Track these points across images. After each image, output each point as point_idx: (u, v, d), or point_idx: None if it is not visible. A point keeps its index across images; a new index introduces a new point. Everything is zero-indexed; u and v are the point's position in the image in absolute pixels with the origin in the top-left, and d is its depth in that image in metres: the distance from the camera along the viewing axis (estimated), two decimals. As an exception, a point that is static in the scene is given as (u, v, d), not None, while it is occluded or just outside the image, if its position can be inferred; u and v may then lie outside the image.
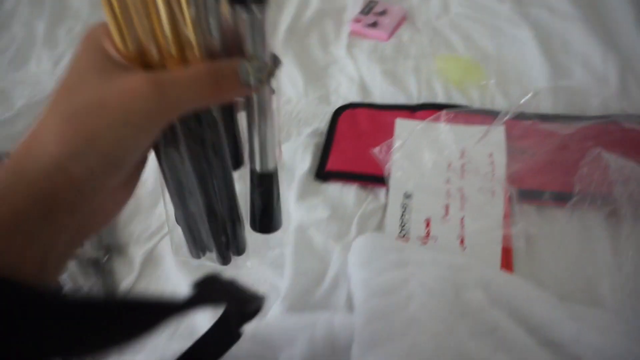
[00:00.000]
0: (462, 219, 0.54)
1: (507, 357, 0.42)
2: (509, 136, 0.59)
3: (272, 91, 0.27)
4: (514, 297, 0.45)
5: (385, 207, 0.56)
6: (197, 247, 0.35)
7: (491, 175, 0.56)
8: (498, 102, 0.66)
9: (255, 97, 0.27)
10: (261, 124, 0.28)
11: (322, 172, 0.61)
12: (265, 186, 0.32)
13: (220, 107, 0.29)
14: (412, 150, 0.58)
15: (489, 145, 0.58)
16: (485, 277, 0.46)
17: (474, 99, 0.66)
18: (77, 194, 0.24)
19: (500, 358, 0.42)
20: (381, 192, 0.58)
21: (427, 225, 0.54)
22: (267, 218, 0.34)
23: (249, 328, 0.38)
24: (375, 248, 0.48)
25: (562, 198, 0.52)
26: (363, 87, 0.71)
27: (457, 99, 0.67)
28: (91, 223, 0.28)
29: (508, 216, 0.52)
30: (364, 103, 0.69)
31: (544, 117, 0.60)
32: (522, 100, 0.56)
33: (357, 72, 0.73)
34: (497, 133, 0.59)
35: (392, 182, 0.57)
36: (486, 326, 0.43)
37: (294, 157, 0.63)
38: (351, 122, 0.66)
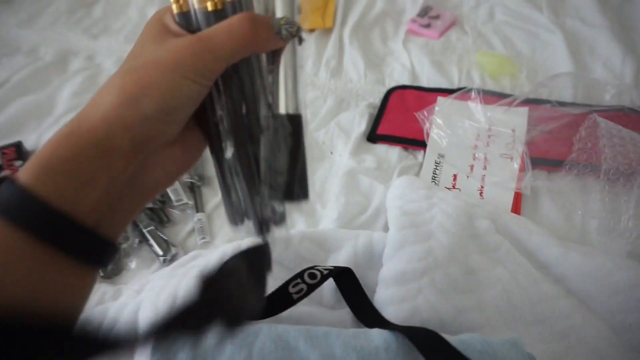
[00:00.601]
0: (484, 176, 0.67)
1: (504, 271, 0.54)
2: (531, 116, 0.71)
3: (300, 41, 0.30)
4: (516, 229, 0.57)
5: (421, 164, 0.70)
6: (234, 215, 0.34)
7: (512, 145, 0.69)
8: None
9: (286, 51, 0.30)
10: (293, 72, 0.30)
11: (373, 135, 0.75)
12: (295, 129, 0.30)
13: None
14: (448, 115, 0.71)
15: (513, 122, 0.71)
16: (494, 212, 0.59)
17: (505, 87, 0.79)
18: (131, 140, 0.26)
19: (499, 271, 0.54)
20: (419, 154, 0.72)
21: (454, 179, 0.67)
22: (293, 176, 0.30)
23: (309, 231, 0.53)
24: (410, 185, 0.62)
25: (562, 164, 0.64)
26: (413, 74, 0.85)
27: (491, 86, 0.80)
28: (151, 180, 0.29)
29: (522, 172, 0.65)
30: (412, 85, 0.83)
31: (562, 103, 0.72)
32: (543, 79, 0.68)
33: (409, 61, 0.87)
34: (521, 113, 0.71)
35: (430, 141, 0.70)
36: (490, 246, 0.56)
37: (352, 123, 0.77)
38: (400, 99, 0.80)
